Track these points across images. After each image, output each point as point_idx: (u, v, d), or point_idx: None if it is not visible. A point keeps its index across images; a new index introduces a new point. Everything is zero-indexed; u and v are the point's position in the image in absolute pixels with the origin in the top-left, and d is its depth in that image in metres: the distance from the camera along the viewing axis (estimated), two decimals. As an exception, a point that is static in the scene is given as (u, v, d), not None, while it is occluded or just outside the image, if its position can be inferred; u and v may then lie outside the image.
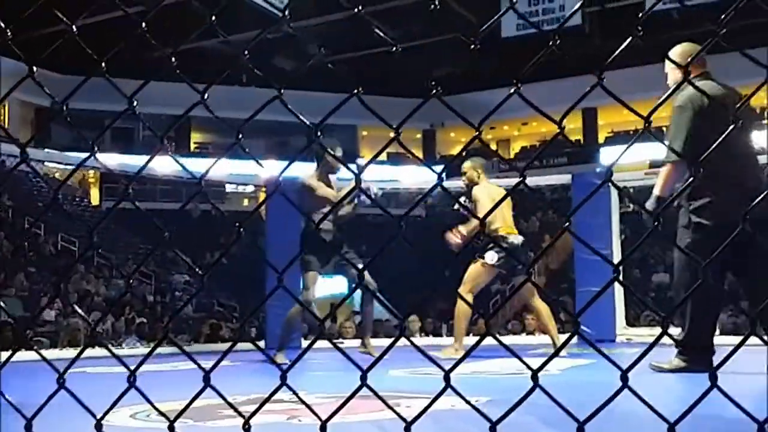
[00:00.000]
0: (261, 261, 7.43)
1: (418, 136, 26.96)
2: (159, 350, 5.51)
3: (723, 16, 1.05)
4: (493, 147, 27.23)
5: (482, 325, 10.39)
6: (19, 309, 12.82)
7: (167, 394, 2.44)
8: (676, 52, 3.77)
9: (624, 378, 0.98)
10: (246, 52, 1.28)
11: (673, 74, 3.85)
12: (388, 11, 17.10)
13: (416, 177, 23.77)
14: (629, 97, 1.16)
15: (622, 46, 1.05)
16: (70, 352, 7.29)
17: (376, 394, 1.12)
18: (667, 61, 3.59)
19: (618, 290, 7.47)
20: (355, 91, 1.18)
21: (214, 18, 1.26)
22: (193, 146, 27.08)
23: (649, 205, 3.69)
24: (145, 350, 7.93)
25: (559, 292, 13.46)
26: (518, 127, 27.07)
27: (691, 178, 1.17)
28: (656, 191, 3.73)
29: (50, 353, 7.40)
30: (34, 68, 1.32)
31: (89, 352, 5.98)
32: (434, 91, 1.19)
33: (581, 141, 24.77)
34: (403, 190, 17.01)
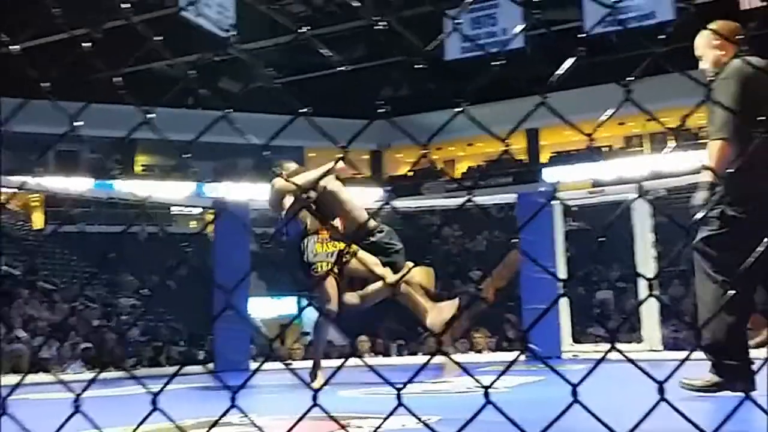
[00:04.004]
0: (208, 283, 7.35)
1: (365, 156, 27.06)
2: (106, 375, 5.36)
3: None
4: (439, 167, 27.50)
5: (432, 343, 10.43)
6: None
7: (114, 418, 2.41)
8: (715, 29, 3.29)
9: (574, 392, 1.00)
10: (193, 73, 1.30)
11: (711, 53, 3.38)
12: (332, 35, 17.22)
13: (362, 197, 23.84)
14: (572, 118, 1.22)
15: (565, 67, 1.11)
16: (14, 378, 7.07)
17: (328, 414, 1.13)
18: (700, 41, 3.33)
19: (564, 307, 7.60)
20: (303, 110, 1.21)
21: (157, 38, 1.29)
22: (139, 168, 26.68)
23: (701, 196, 3.12)
24: (90, 375, 7.75)
25: (504, 311, 13.59)
26: (463, 148, 27.39)
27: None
28: (711, 170, 3.20)
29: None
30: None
31: (33, 378, 5.81)
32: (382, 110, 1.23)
33: (525, 161, 25.20)
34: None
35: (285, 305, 21.99)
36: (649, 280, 1.12)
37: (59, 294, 15.86)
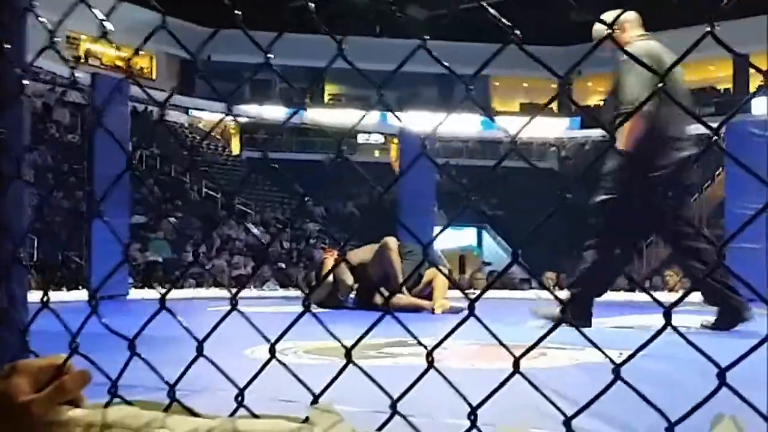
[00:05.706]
0: (390, 210, 7.50)
1: (553, 86, 26.20)
2: (296, 293, 5.79)
3: None
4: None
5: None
6: (167, 251, 13.67)
7: (306, 333, 2.57)
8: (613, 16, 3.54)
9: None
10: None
11: (617, 37, 3.68)
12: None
13: (551, 129, 23.18)
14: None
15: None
16: (215, 292, 7.74)
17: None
18: (599, 27, 3.49)
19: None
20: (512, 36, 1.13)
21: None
22: (327, 98, 27.58)
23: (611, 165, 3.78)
24: (285, 293, 8.26)
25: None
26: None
27: None
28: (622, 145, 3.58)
29: (196, 292, 7.90)
30: (173, 20, 1.36)
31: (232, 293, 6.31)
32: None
33: (731, 90, 23.30)
34: (537, 141, 16.65)
35: (465, 236, 22.14)
36: None
37: (254, 217, 16.96)
